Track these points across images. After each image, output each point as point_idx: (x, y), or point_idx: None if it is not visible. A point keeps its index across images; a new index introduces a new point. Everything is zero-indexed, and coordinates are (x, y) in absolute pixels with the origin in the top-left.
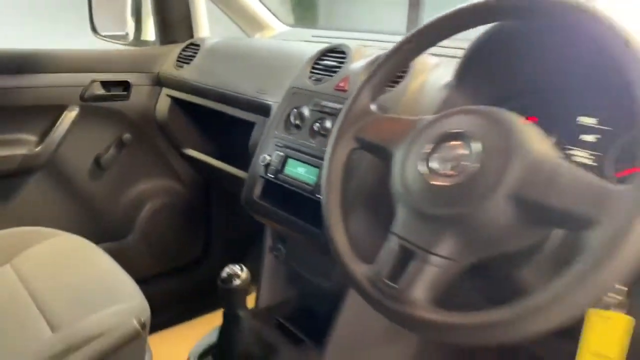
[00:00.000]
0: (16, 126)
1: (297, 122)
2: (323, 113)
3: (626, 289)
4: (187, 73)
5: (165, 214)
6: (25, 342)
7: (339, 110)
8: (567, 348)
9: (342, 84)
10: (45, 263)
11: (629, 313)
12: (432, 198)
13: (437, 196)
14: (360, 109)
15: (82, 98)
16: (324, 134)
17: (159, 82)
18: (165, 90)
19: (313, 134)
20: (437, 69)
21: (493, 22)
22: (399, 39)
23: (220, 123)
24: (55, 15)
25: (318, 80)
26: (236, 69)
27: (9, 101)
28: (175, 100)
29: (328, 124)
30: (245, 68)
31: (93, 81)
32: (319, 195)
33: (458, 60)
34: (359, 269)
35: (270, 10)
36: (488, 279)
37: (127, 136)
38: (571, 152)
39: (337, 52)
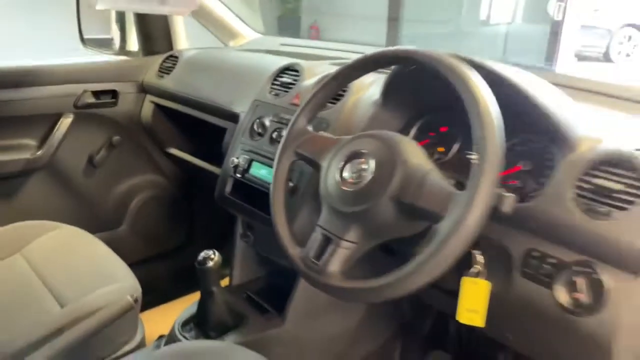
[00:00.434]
0: (19, 133)
1: (260, 130)
2: (281, 124)
3: (483, 261)
4: (168, 82)
5: (152, 206)
6: (40, 316)
7: None
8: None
9: (295, 100)
10: (51, 252)
11: (487, 279)
12: (343, 199)
13: (346, 198)
14: (297, 131)
15: (75, 106)
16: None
17: (144, 89)
18: (149, 97)
19: (272, 141)
20: (371, 86)
21: (392, 65)
22: (356, 48)
23: (198, 126)
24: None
25: (277, 95)
26: (210, 79)
27: (11, 111)
28: (158, 106)
29: (284, 133)
30: (218, 79)
31: (85, 91)
32: None
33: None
34: (295, 252)
35: (242, 20)
36: (399, 254)
37: (116, 138)
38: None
39: (292, 70)
